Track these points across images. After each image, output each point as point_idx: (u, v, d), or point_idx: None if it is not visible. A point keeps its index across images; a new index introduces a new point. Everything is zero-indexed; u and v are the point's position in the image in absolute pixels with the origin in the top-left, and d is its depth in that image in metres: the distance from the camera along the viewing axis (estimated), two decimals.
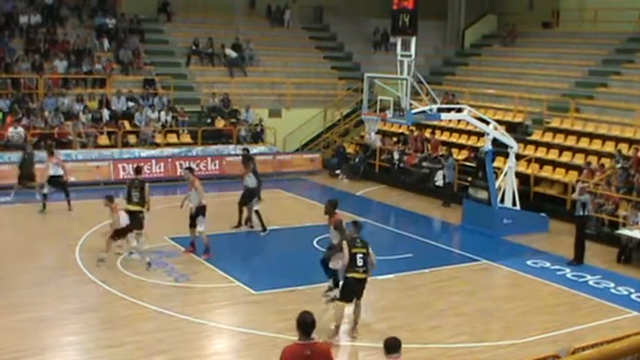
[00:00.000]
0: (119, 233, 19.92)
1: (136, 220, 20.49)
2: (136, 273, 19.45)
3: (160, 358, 14.60)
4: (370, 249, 15.98)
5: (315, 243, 22.64)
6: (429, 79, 30.79)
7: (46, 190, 26.15)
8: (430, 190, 31.18)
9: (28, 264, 20.20)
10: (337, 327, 15.77)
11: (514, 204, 26.37)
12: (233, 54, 39.73)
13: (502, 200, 26.29)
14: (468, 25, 45.12)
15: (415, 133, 34.77)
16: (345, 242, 16.06)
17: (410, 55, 24.31)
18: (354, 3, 45.51)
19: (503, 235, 24.98)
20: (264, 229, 24.15)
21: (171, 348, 15.01)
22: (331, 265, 17.71)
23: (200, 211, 21.13)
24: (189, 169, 22.93)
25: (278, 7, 44.65)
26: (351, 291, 15.88)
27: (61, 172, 26.56)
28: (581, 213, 22.14)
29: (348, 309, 15.97)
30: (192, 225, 21.31)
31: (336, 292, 17.09)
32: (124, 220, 19.91)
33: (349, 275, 15.79)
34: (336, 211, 18.30)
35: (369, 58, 42.91)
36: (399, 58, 24.57)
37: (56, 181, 26.41)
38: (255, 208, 24.22)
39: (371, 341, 15.19)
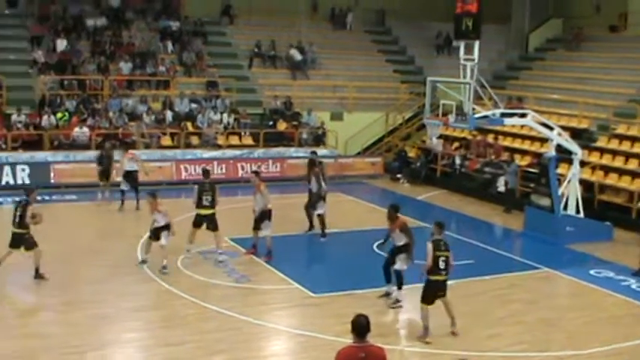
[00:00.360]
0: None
1: (212, 223, 20.94)
2: (197, 273, 19.58)
3: (219, 358, 14.68)
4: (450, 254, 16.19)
5: (374, 247, 22.56)
6: (492, 84, 30.47)
7: (123, 187, 26.60)
8: (492, 195, 30.91)
9: (91, 261, 20.53)
10: (426, 327, 16.00)
11: (577, 212, 26.00)
12: (297, 56, 39.83)
13: (565, 208, 25.94)
14: (533, 29, 44.74)
15: (478, 138, 34.55)
16: (430, 245, 16.04)
17: (473, 59, 24.11)
18: (417, 6, 45.35)
19: (565, 243, 24.63)
20: (324, 235, 24.09)
21: (230, 348, 15.08)
22: (397, 266, 17.76)
23: (265, 215, 21.17)
24: (256, 172, 23.07)
25: (340, 10, 44.70)
26: (434, 294, 16.08)
27: (136, 167, 27.05)
28: None
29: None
30: (256, 227, 21.35)
31: (397, 294, 17.44)
32: (161, 219, 19.92)
33: (432, 278, 15.96)
34: (398, 215, 18.24)
35: (431, 62, 42.75)
36: (461, 62, 24.36)
37: (131, 177, 27.03)
38: (319, 212, 24.23)
39: (429, 347, 15.07)
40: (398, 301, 17.83)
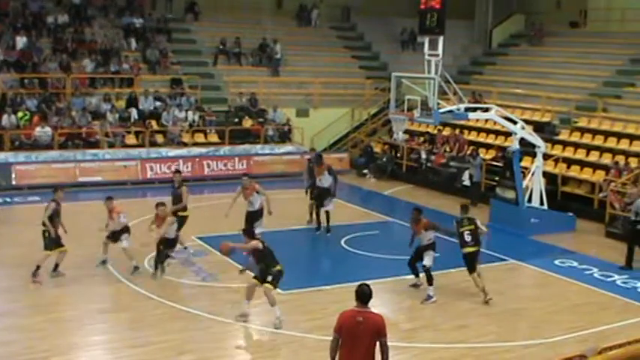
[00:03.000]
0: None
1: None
2: (164, 273, 19.52)
3: (187, 358, 14.65)
4: (478, 222, 18.75)
5: (343, 243, 22.66)
6: (456, 79, 30.70)
7: None
8: (457, 189, 31.08)
9: (54, 264, 20.22)
10: (483, 289, 18.30)
11: (541, 203, 26.27)
12: (278, 52, 39.85)
13: (529, 200, 26.20)
14: (496, 25, 45.11)
15: (444, 133, 34.78)
16: (455, 223, 18.87)
17: (437, 55, 24.27)
18: (382, 2, 45.48)
19: (530, 234, 24.91)
20: (328, 231, 24.20)
21: (198, 347, 15.07)
22: (425, 262, 18.50)
23: (260, 214, 21.38)
24: (246, 174, 23.36)
25: (305, 6, 44.70)
26: (472, 263, 18.46)
27: None
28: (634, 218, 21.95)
29: None
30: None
31: (429, 290, 18.33)
32: (120, 221, 19.87)
33: (464, 251, 18.48)
34: (421, 217, 18.98)
35: (396, 58, 42.86)
36: (426, 57, 24.53)
37: None
38: (329, 208, 24.29)
39: (397, 341, 15.19)
40: (430, 297, 18.27)
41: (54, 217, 18.96)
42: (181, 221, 20.67)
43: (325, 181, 24.17)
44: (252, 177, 22.45)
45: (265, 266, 16.18)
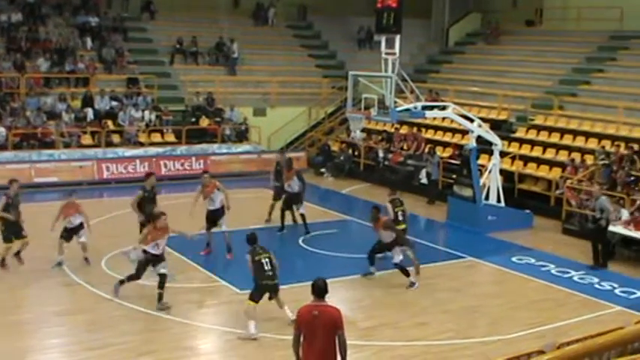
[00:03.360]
0: None
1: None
2: (121, 274, 19.28)
3: (146, 359, 14.54)
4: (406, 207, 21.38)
5: (300, 242, 22.62)
6: (413, 77, 30.79)
7: None
8: (415, 187, 31.17)
9: (9, 266, 19.86)
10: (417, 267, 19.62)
11: (498, 201, 26.44)
12: (235, 51, 39.71)
13: (487, 197, 26.35)
14: (452, 23, 45.30)
15: (402, 131, 34.88)
16: (389, 204, 21.19)
17: (394, 53, 24.29)
18: (338, 1, 45.46)
19: (488, 232, 25.03)
20: (308, 232, 24.11)
21: (158, 349, 14.97)
22: (394, 260, 19.26)
23: (222, 211, 21.35)
24: (206, 171, 23.34)
25: (262, 5, 44.59)
26: (404, 237, 20.07)
27: None
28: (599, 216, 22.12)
29: None
30: (212, 226, 21.54)
31: (411, 279, 19.20)
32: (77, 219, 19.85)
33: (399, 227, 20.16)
34: (379, 216, 19.62)
35: (353, 57, 42.90)
36: (383, 56, 24.55)
37: None
38: (302, 211, 24.25)
39: (355, 339, 15.18)
40: (413, 284, 19.21)
41: (9, 210, 18.96)
42: None
43: (295, 185, 24.10)
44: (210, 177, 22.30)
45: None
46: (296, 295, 17.64)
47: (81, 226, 19.98)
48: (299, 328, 10.63)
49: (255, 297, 15.68)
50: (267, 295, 15.87)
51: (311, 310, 10.56)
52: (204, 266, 20.28)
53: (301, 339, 10.65)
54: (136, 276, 17.61)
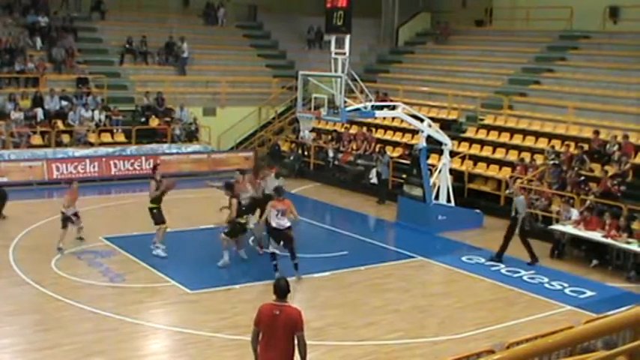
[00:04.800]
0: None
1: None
2: (71, 274, 19.24)
3: (96, 359, 14.48)
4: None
5: (251, 242, 22.59)
6: (363, 77, 30.94)
7: None
8: (365, 187, 31.30)
9: None
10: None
11: (448, 200, 26.60)
12: (185, 51, 39.53)
13: (437, 197, 26.49)
14: (402, 23, 45.41)
15: (351, 131, 34.98)
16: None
17: (344, 53, 24.33)
18: (288, 1, 45.54)
19: (438, 231, 25.18)
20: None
21: (108, 349, 14.88)
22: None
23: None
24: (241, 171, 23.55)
25: (212, 5, 44.47)
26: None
27: None
28: (513, 214, 22.39)
29: None
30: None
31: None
32: None
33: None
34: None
35: (303, 56, 42.94)
36: (333, 56, 24.58)
37: None
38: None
39: (307, 339, 15.22)
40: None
41: None
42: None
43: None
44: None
45: None
46: (246, 296, 17.76)
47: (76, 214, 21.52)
48: (259, 325, 10.62)
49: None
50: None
51: (272, 309, 10.56)
52: (154, 266, 20.17)
53: (259, 337, 10.64)
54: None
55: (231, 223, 20.22)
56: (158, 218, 21.08)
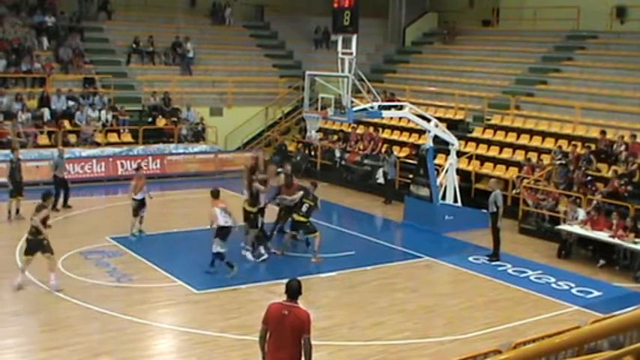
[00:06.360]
0: None
1: None
2: (78, 274, 19.25)
3: None
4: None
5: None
6: (370, 77, 30.90)
7: None
8: (372, 187, 31.29)
9: None
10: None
11: (455, 201, 26.59)
12: (191, 52, 39.56)
13: (443, 197, 26.49)
14: (409, 23, 45.42)
15: (358, 131, 34.95)
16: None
17: (351, 53, 24.30)
18: (295, 1, 45.53)
19: (445, 231, 25.17)
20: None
21: (114, 349, 14.87)
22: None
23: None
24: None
25: (219, 5, 44.48)
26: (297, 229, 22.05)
27: None
28: (494, 209, 22.43)
29: None
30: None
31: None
32: None
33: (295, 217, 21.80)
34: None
35: (310, 56, 42.93)
36: (340, 56, 24.55)
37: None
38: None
39: (313, 339, 15.23)
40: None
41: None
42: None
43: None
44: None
45: None
46: (253, 296, 17.75)
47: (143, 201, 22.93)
48: (266, 323, 10.63)
49: None
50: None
51: (281, 309, 10.54)
52: (161, 266, 20.17)
53: (267, 336, 10.64)
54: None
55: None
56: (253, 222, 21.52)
